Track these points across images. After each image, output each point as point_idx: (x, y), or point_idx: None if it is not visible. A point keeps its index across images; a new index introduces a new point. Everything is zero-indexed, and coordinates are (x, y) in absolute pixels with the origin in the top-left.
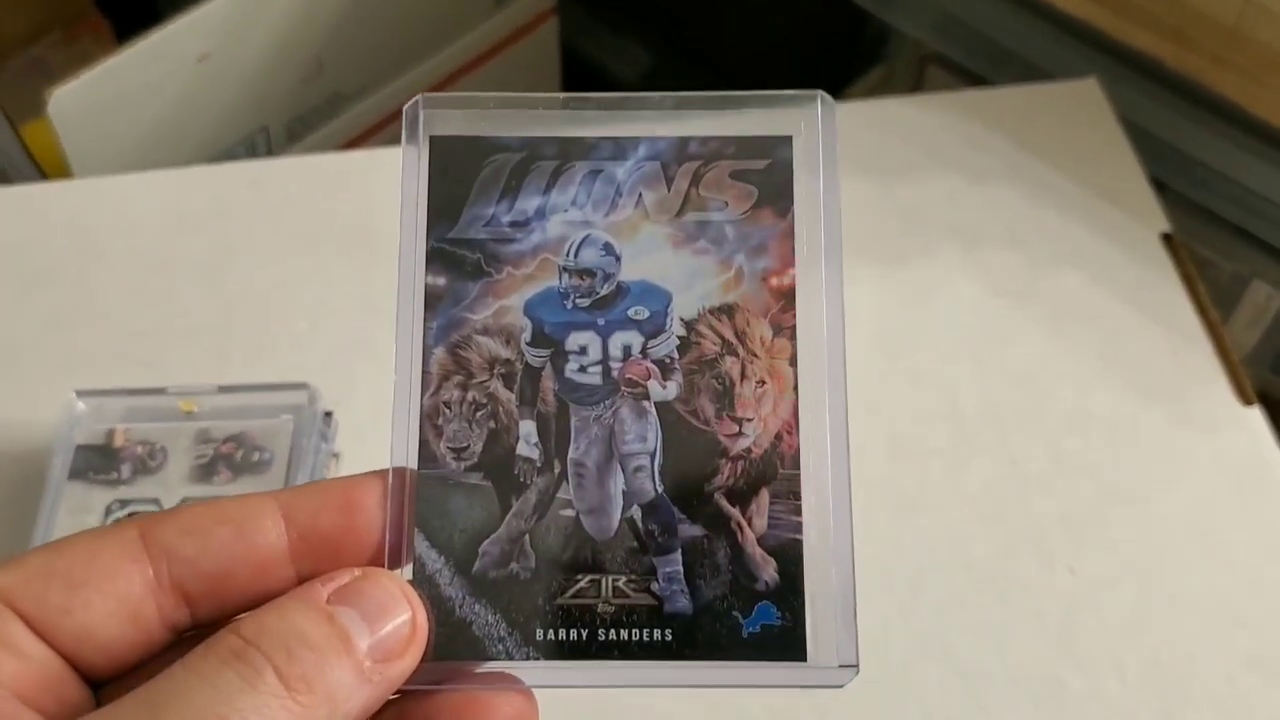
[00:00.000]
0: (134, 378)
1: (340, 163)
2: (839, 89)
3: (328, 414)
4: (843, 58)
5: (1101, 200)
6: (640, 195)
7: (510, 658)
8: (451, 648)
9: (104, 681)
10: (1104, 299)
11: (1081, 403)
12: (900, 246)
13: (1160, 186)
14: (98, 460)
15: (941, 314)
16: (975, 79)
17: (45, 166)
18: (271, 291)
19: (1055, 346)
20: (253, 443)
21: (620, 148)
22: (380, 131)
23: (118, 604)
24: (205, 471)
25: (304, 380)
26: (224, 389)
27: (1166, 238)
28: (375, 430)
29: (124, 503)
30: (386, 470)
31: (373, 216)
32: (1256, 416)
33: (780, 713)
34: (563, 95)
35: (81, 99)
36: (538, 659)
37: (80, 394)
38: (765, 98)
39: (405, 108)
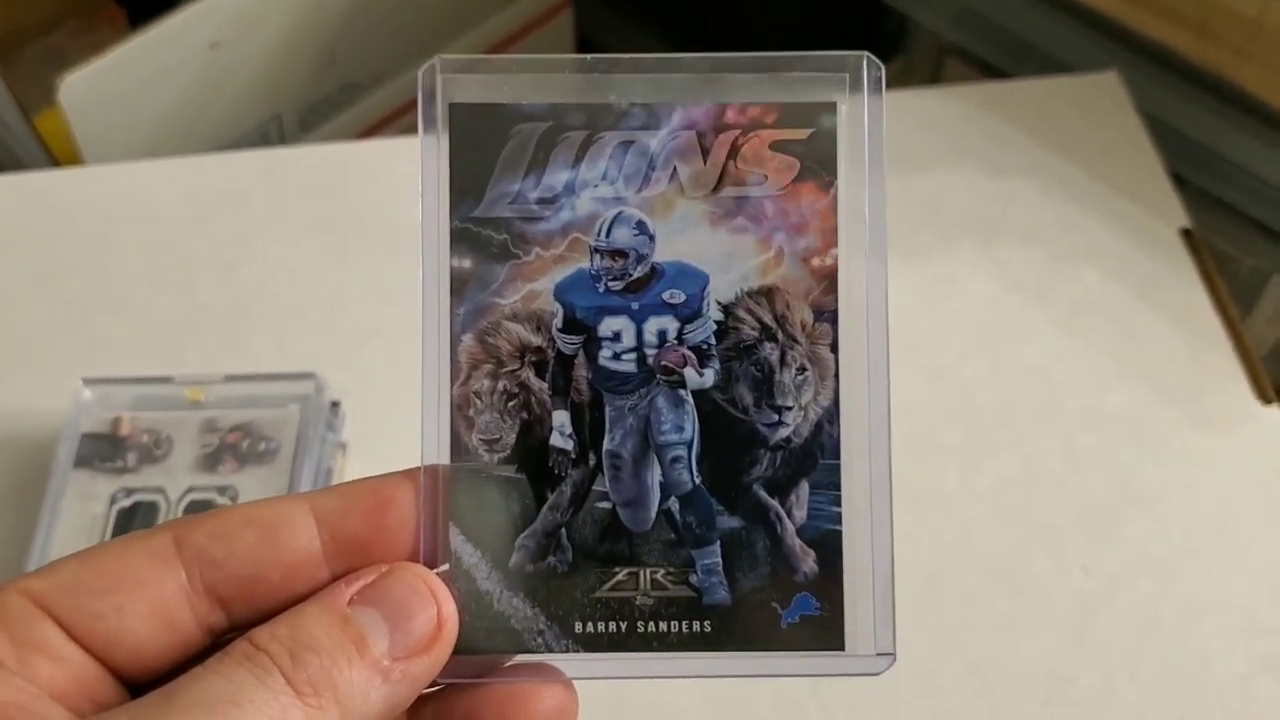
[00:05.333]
0: (147, 366)
1: (355, 152)
2: None
3: (335, 404)
4: (862, 50)
5: (1120, 195)
6: (675, 168)
7: (550, 650)
8: (491, 641)
9: (144, 684)
10: (1121, 295)
11: (1098, 400)
12: (916, 241)
13: (1180, 180)
14: (104, 448)
15: (957, 310)
16: (994, 71)
17: (59, 155)
18: (285, 280)
19: (1071, 343)
20: (259, 432)
21: (653, 115)
22: (394, 122)
23: (150, 609)
24: (211, 460)
25: (315, 369)
26: (231, 378)
27: (1186, 233)
28: (386, 420)
29: (129, 491)
30: (418, 468)
31: (388, 206)
32: (1276, 416)
33: (787, 707)
34: (590, 56)
35: (92, 87)
36: (577, 651)
37: (87, 382)
38: (808, 59)
39: (421, 72)
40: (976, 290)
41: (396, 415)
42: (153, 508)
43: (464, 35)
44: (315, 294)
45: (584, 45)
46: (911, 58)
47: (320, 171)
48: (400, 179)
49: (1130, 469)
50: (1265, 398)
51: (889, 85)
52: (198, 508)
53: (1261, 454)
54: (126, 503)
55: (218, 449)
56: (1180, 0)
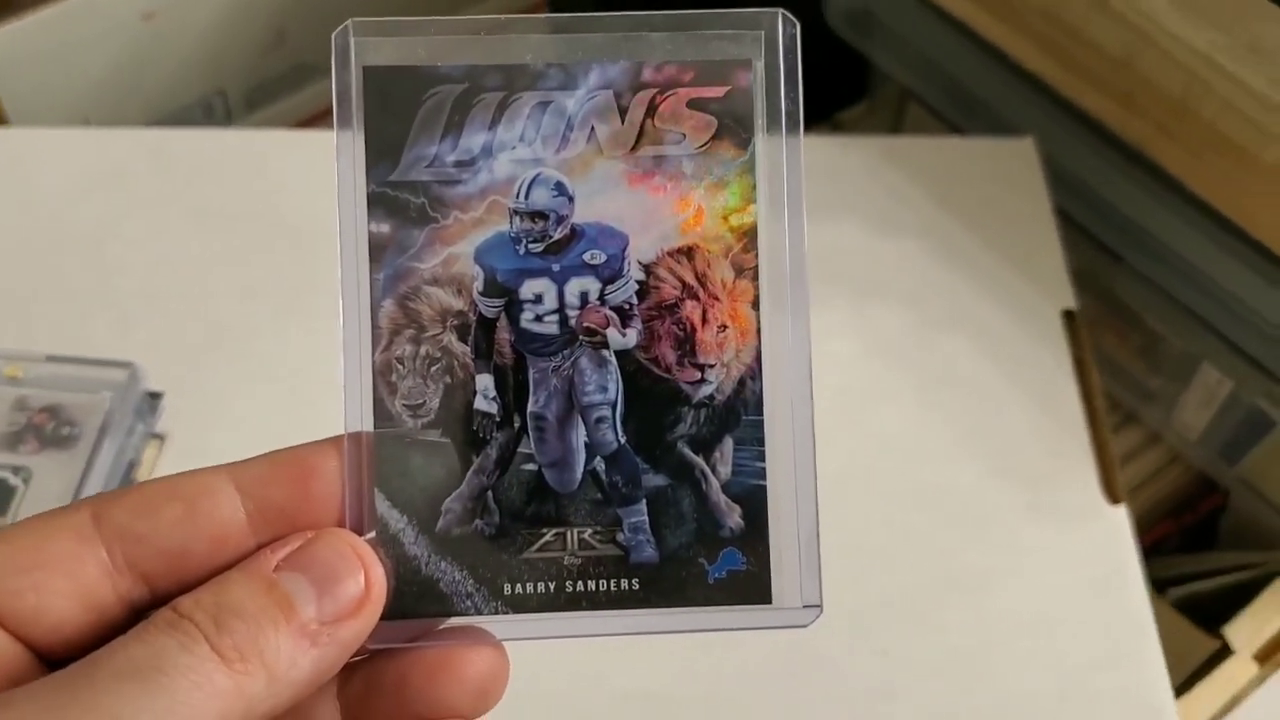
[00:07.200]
0: None
1: (252, 141)
2: (825, 118)
3: (154, 395)
4: (832, 87)
5: (1009, 268)
6: (592, 128)
7: (479, 613)
8: (420, 605)
9: (66, 662)
10: (988, 372)
11: (937, 478)
12: None
13: (1115, 257)
14: None
15: (814, 367)
16: (947, 123)
17: None
18: (150, 266)
19: (924, 415)
20: (65, 416)
21: (570, 75)
22: None
23: (71, 586)
24: (13, 439)
25: (154, 358)
26: (52, 358)
27: (1068, 315)
28: (215, 416)
29: None
30: (343, 435)
31: (268, 199)
32: (1121, 516)
33: None
34: (505, 17)
35: (15, 48)
36: (506, 612)
37: None
38: (724, 17)
39: (334, 35)
40: (837, 349)
41: (225, 411)
42: None
43: None
44: (177, 283)
45: None
46: (875, 101)
47: (207, 157)
48: (288, 173)
49: (957, 553)
50: (1114, 497)
51: (853, 128)
52: None
53: (1098, 553)
54: None
55: (23, 428)
56: (1108, 69)
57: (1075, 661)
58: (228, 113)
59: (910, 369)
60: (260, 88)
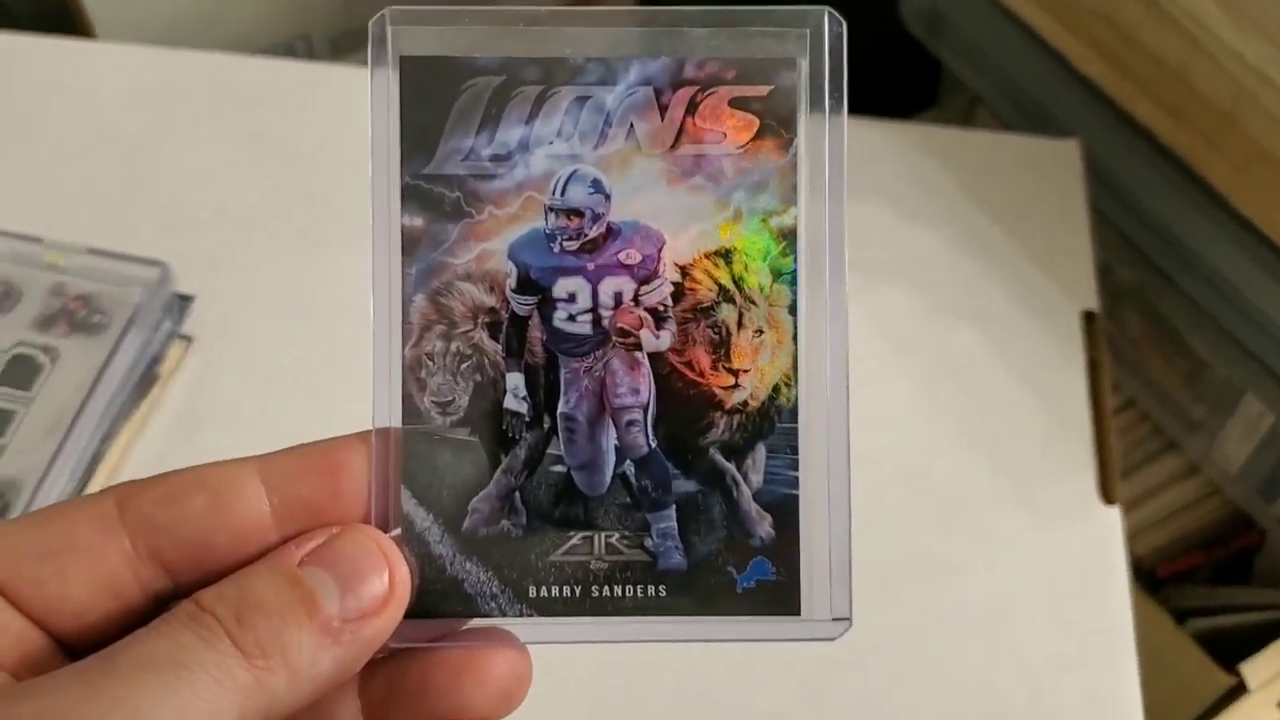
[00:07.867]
0: (43, 226)
1: (297, 72)
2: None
3: (185, 298)
4: (903, 92)
5: (1033, 264)
6: (631, 125)
7: (503, 614)
8: (444, 605)
9: (87, 651)
10: (997, 364)
11: (925, 462)
12: None
13: (1167, 278)
14: None
15: None
16: (1010, 128)
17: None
18: (193, 178)
19: (923, 401)
20: (97, 305)
21: (610, 70)
22: None
23: (93, 575)
24: (47, 321)
25: (192, 265)
26: (92, 251)
27: (1088, 316)
28: (243, 325)
29: None
30: (370, 431)
31: (327, 131)
32: (1114, 518)
33: None
34: (546, 10)
35: None
36: (531, 615)
37: None
38: (768, 14)
39: (371, 23)
40: None
41: (253, 325)
42: None
43: None
44: (214, 196)
45: None
46: (944, 109)
47: (260, 85)
48: (342, 108)
49: (935, 537)
50: (1109, 497)
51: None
52: (20, 361)
53: (1086, 553)
54: None
55: (57, 312)
56: (1161, 77)
57: (1034, 657)
58: (311, 57)
59: (919, 353)
60: (346, 35)
